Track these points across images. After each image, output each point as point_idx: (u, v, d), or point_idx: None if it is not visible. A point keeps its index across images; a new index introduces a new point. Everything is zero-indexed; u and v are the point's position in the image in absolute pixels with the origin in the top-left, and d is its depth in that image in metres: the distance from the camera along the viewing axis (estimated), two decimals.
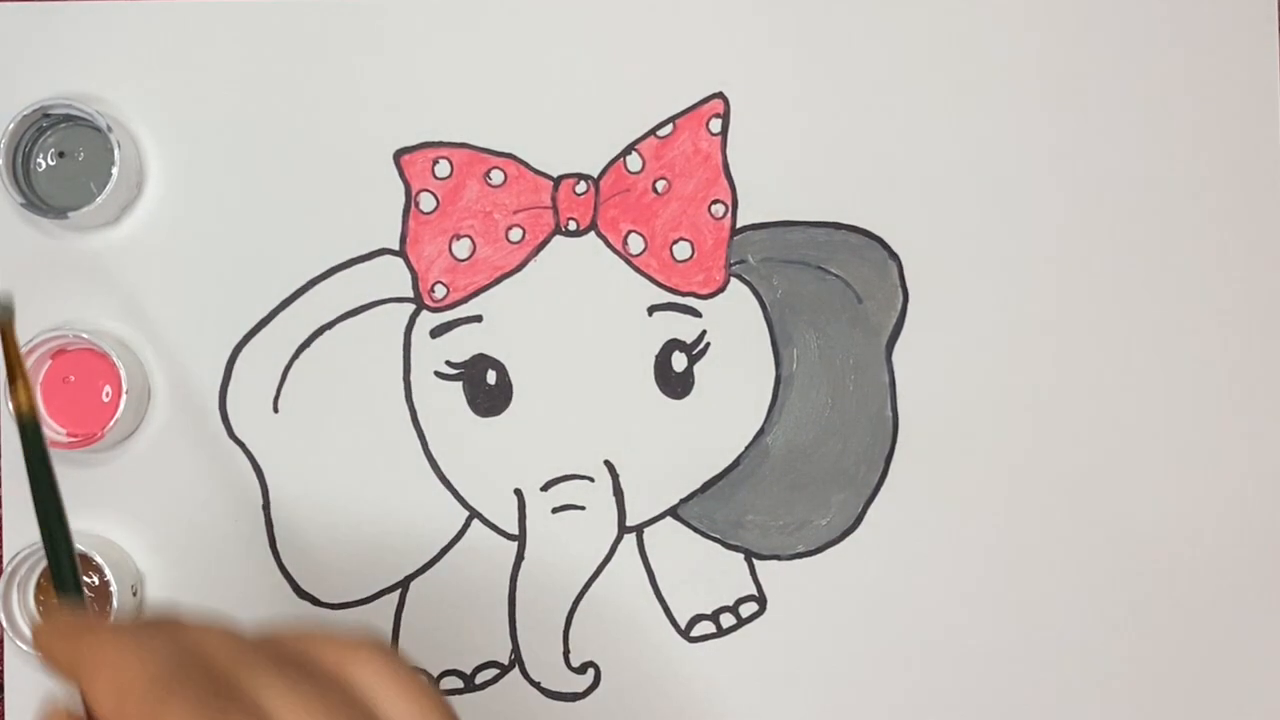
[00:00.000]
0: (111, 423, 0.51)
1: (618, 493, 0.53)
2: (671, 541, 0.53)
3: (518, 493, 0.53)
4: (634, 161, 0.53)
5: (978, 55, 0.54)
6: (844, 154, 0.54)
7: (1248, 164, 0.54)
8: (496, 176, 0.53)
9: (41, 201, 0.51)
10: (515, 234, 0.53)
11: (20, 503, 0.52)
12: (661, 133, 0.53)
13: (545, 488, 0.53)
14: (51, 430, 0.51)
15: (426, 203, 0.53)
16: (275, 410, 0.52)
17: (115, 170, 0.50)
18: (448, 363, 0.53)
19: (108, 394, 0.51)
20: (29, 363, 0.51)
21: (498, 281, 0.53)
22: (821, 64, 0.54)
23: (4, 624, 0.50)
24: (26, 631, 0.51)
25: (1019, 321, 0.54)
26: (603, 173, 0.53)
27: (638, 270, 0.53)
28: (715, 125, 0.53)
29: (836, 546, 0.53)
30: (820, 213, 0.53)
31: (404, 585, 0.52)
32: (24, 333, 0.51)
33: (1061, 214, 0.54)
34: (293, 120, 0.53)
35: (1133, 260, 0.54)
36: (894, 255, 0.54)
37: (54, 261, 0.52)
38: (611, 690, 0.53)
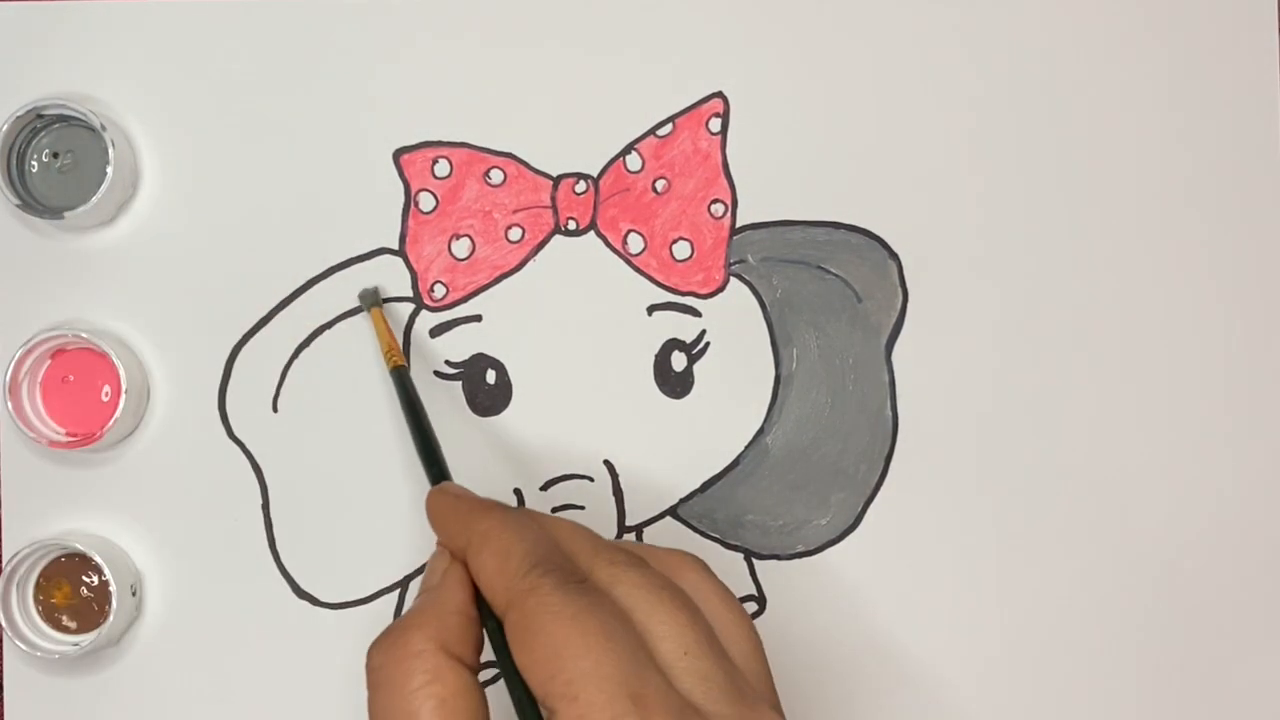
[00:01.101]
0: (111, 422, 0.51)
1: (617, 492, 0.53)
2: (671, 541, 0.53)
3: (517, 492, 0.53)
4: (633, 161, 0.53)
5: (978, 54, 0.54)
6: (844, 154, 0.53)
7: (1248, 164, 0.54)
8: (496, 176, 0.53)
9: (37, 202, 0.51)
10: (515, 233, 0.53)
11: (19, 502, 0.52)
12: (661, 132, 0.53)
13: (545, 487, 0.53)
14: (50, 430, 0.51)
15: (426, 202, 0.53)
16: (275, 410, 0.52)
17: (110, 170, 0.50)
18: (447, 362, 0.53)
19: (107, 393, 0.51)
20: (27, 364, 0.51)
21: (497, 281, 0.53)
22: (821, 64, 0.54)
23: (3, 624, 0.50)
24: (26, 631, 0.51)
25: (1019, 321, 0.54)
26: (602, 172, 0.53)
27: (637, 270, 0.53)
28: (715, 125, 0.53)
29: (836, 546, 0.53)
30: (820, 212, 0.53)
31: (404, 585, 0.52)
32: (23, 333, 0.51)
33: (1062, 214, 0.54)
34: (291, 119, 0.53)
35: (1133, 260, 0.54)
36: (894, 255, 0.54)
37: (51, 261, 0.52)
38: None
